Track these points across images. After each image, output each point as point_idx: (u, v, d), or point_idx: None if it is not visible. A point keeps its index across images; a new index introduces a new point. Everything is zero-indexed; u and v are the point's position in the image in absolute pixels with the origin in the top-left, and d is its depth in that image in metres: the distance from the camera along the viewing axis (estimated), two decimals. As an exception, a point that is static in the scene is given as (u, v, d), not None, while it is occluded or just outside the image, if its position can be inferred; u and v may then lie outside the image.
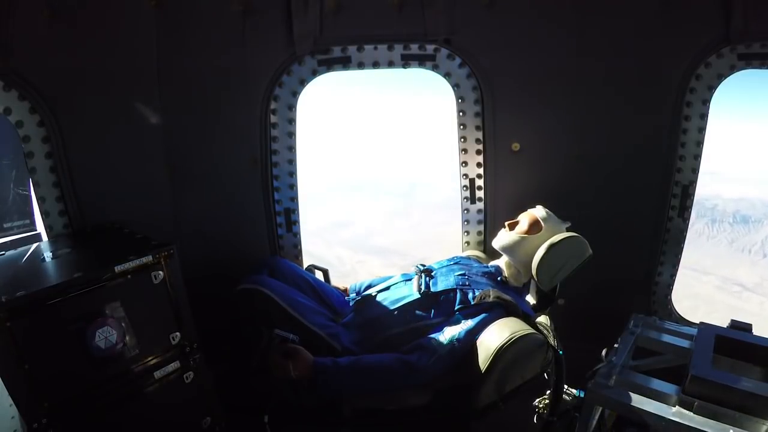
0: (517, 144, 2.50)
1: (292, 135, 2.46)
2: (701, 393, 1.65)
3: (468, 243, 2.71)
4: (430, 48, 2.36)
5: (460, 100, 2.47)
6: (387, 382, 1.83)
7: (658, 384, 1.79)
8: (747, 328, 2.08)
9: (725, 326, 2.10)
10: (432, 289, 2.03)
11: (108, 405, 1.55)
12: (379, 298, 2.12)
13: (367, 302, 2.14)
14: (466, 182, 2.60)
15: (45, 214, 2.10)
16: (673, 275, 2.59)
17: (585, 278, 2.15)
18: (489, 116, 2.45)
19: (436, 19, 2.29)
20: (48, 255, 1.75)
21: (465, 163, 2.57)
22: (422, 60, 2.39)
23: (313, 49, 2.30)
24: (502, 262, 2.23)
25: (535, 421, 1.91)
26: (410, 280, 2.15)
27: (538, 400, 1.91)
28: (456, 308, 1.96)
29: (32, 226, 2.24)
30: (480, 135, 2.50)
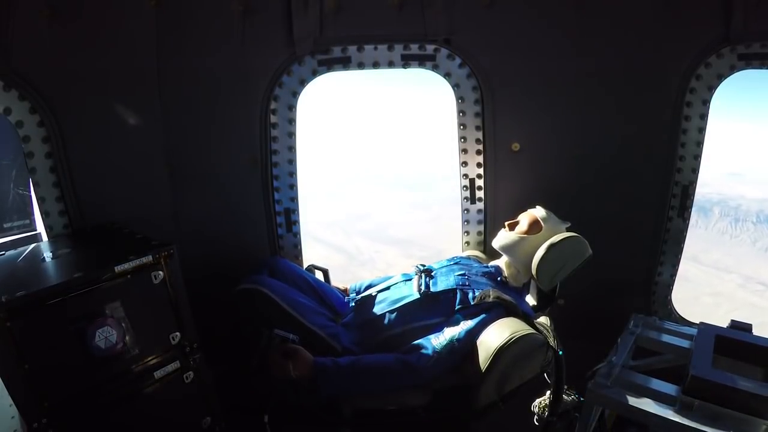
0: (517, 144, 2.50)
1: (292, 135, 2.46)
2: (701, 393, 1.65)
3: (468, 243, 2.71)
4: (430, 48, 2.36)
5: (460, 101, 2.47)
6: (387, 382, 1.83)
7: (658, 384, 1.80)
8: (747, 328, 2.08)
9: (725, 326, 2.11)
10: (432, 290, 2.03)
11: (108, 405, 1.55)
12: (379, 298, 2.12)
13: (367, 302, 2.14)
14: (466, 182, 2.60)
15: (45, 214, 2.10)
16: (673, 275, 2.59)
17: (585, 278, 2.15)
18: (489, 116, 2.45)
19: (436, 19, 2.29)
20: (48, 255, 1.75)
21: (465, 163, 2.57)
22: (422, 60, 2.39)
23: (313, 49, 2.30)
24: (502, 262, 2.23)
25: (535, 421, 1.91)
26: (410, 280, 2.15)
27: (538, 400, 1.91)
28: (456, 308, 1.96)
29: (32, 226, 2.24)
30: (480, 135, 2.50)
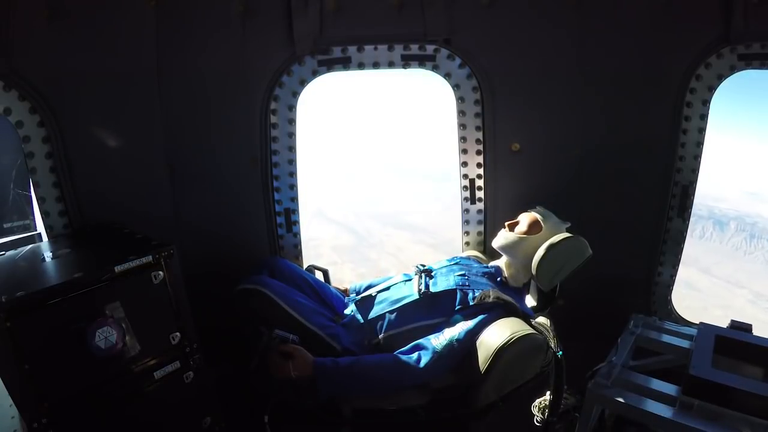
0: (517, 144, 2.50)
1: (292, 135, 2.46)
2: (701, 393, 1.65)
3: (468, 243, 2.71)
4: (430, 48, 2.36)
5: (460, 101, 2.47)
6: (387, 382, 1.83)
7: (658, 384, 1.80)
8: (747, 328, 2.08)
9: (725, 326, 2.11)
10: (432, 290, 2.03)
11: (108, 405, 1.55)
12: (379, 298, 2.12)
13: (367, 302, 2.14)
14: (466, 182, 2.60)
15: (45, 214, 2.10)
16: (673, 275, 2.59)
17: (585, 278, 2.15)
18: (489, 116, 2.45)
19: (436, 19, 2.29)
20: (48, 255, 1.75)
21: (465, 164, 2.57)
22: (422, 60, 2.39)
23: (313, 50, 2.30)
24: (502, 262, 2.23)
25: (535, 421, 1.91)
26: (410, 280, 2.15)
27: (538, 400, 1.91)
28: (456, 309, 1.96)
29: (32, 226, 2.23)
30: (480, 135, 2.50)
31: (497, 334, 1.82)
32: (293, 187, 2.54)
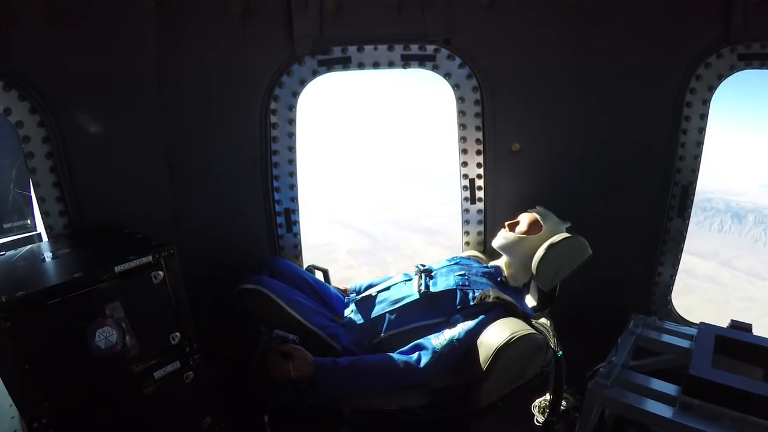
0: (517, 144, 2.50)
1: (292, 135, 2.46)
2: (701, 393, 1.65)
3: (468, 243, 2.71)
4: (430, 48, 2.36)
5: (460, 101, 2.47)
6: (387, 382, 1.83)
7: (658, 384, 1.79)
8: (747, 328, 2.08)
9: (725, 326, 2.10)
10: (432, 290, 2.03)
11: (108, 405, 1.55)
12: (379, 298, 2.12)
13: (367, 302, 2.14)
14: (466, 182, 2.60)
15: (45, 215, 2.10)
16: (673, 275, 2.59)
17: (585, 278, 2.15)
18: (489, 116, 2.45)
19: (436, 19, 2.29)
20: (48, 255, 1.75)
21: (465, 164, 2.58)
22: (422, 60, 2.39)
23: (313, 49, 2.30)
24: (502, 262, 2.23)
25: (535, 421, 1.91)
26: (410, 280, 2.16)
27: (538, 400, 1.91)
28: (456, 309, 1.96)
29: (32, 226, 2.23)
30: (480, 135, 2.50)
31: (497, 334, 1.82)
32: (293, 187, 2.54)
